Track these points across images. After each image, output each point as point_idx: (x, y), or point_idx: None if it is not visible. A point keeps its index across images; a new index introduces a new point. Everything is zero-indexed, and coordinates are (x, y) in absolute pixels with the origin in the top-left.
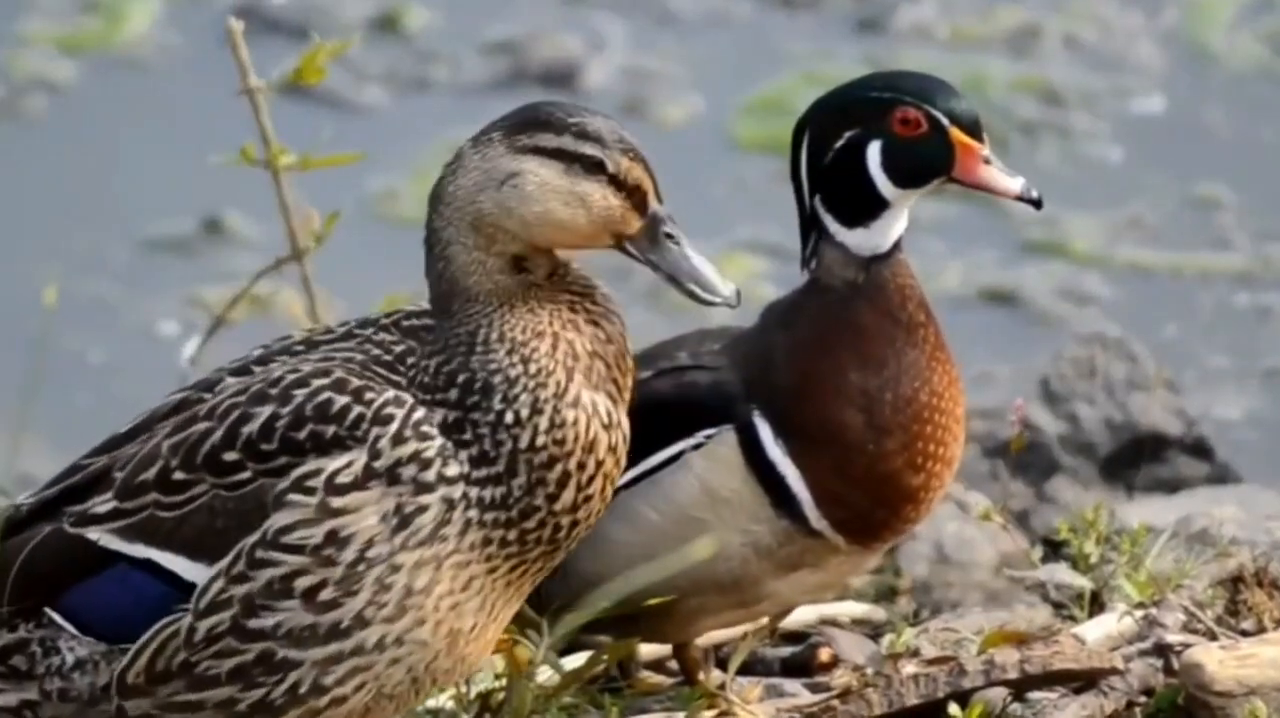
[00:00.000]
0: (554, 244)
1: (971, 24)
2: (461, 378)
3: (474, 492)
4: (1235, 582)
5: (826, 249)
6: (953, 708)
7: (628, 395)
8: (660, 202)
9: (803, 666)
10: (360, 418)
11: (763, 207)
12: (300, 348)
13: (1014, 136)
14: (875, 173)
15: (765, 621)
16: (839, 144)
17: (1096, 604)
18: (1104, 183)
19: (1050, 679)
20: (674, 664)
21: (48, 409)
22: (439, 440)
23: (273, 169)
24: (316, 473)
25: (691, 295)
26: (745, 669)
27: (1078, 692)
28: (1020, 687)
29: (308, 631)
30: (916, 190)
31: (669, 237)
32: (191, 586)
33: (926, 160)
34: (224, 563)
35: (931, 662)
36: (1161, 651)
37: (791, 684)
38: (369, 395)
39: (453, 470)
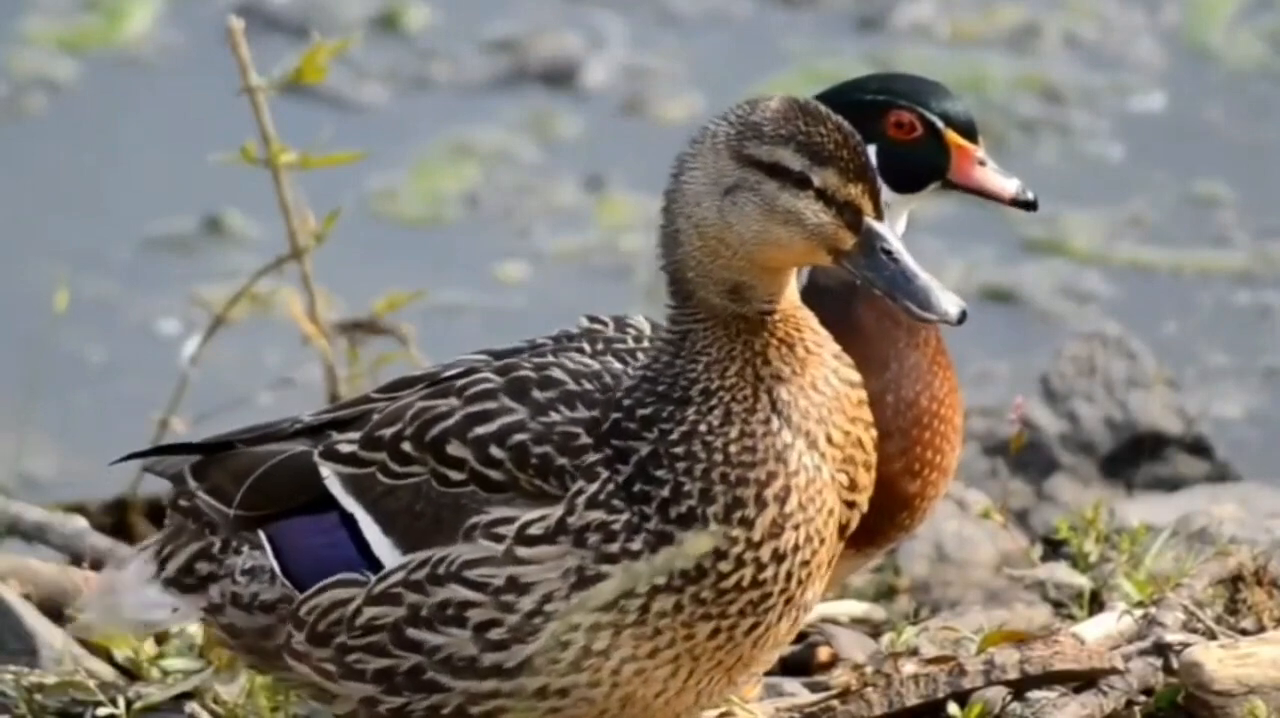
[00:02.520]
0: (772, 262)
1: (971, 22)
2: (660, 424)
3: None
4: (1235, 581)
5: None
6: (952, 707)
7: (854, 456)
8: (880, 217)
9: (802, 664)
10: (565, 471)
11: None
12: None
13: (1014, 134)
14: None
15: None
16: None
17: (1096, 603)
18: (1104, 181)
19: (1050, 679)
20: None
21: (48, 408)
22: (625, 515)
23: (273, 168)
24: (510, 521)
25: (909, 313)
26: None
27: (1077, 691)
28: (1020, 687)
29: (466, 661)
30: (913, 195)
31: (886, 253)
32: (376, 560)
33: (922, 164)
34: (410, 562)
35: (931, 661)
36: (1161, 650)
37: (791, 683)
38: (579, 450)
39: (636, 546)
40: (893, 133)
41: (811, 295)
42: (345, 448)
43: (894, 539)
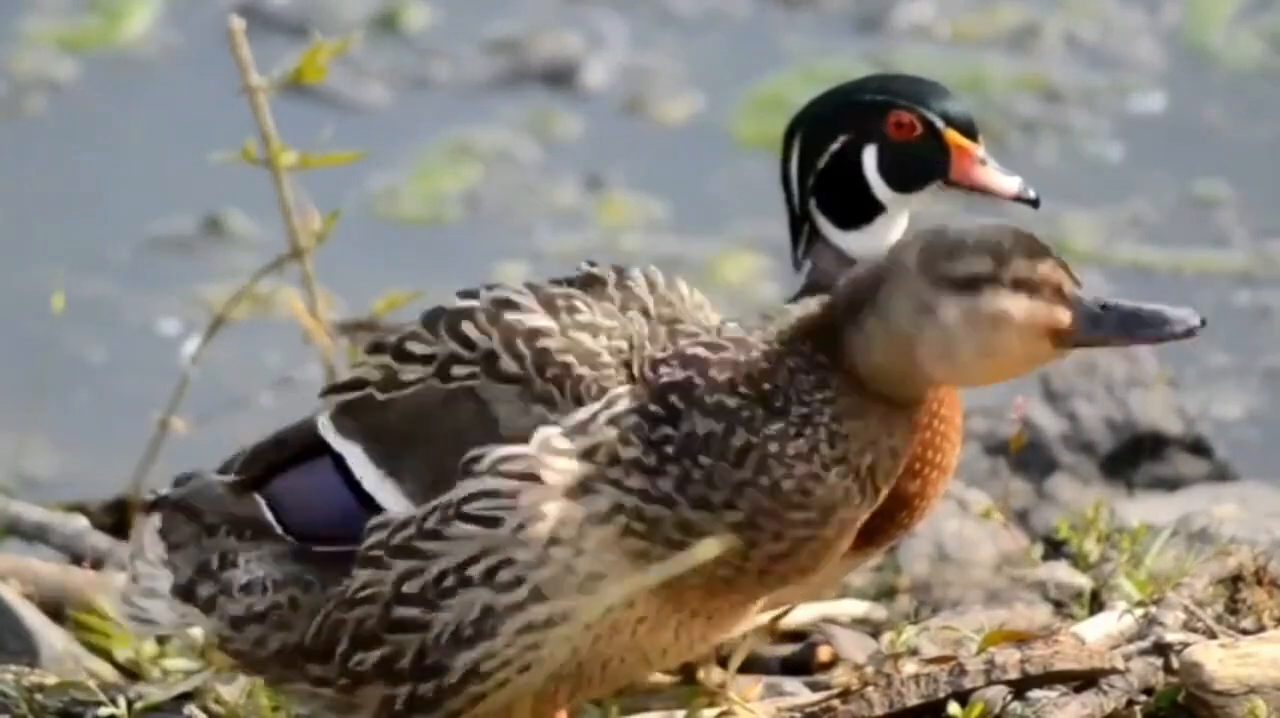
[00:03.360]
0: (993, 376)
1: (971, 22)
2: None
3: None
4: (1235, 580)
5: (822, 252)
6: (952, 707)
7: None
8: (1078, 284)
9: (803, 664)
10: (588, 389)
11: (763, 204)
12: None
13: (1013, 134)
14: (872, 177)
15: (765, 619)
16: (834, 148)
17: (1096, 603)
18: (1103, 181)
19: (1051, 679)
20: None
21: (49, 408)
22: (651, 457)
23: (273, 168)
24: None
25: (1157, 341)
26: (745, 668)
27: (1078, 690)
28: (1021, 686)
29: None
30: (913, 194)
31: (1101, 307)
32: (370, 499)
33: (922, 164)
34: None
35: (932, 661)
36: (1161, 649)
37: (792, 683)
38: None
39: (655, 491)
40: (893, 132)
41: (810, 298)
42: (347, 375)
43: (894, 538)
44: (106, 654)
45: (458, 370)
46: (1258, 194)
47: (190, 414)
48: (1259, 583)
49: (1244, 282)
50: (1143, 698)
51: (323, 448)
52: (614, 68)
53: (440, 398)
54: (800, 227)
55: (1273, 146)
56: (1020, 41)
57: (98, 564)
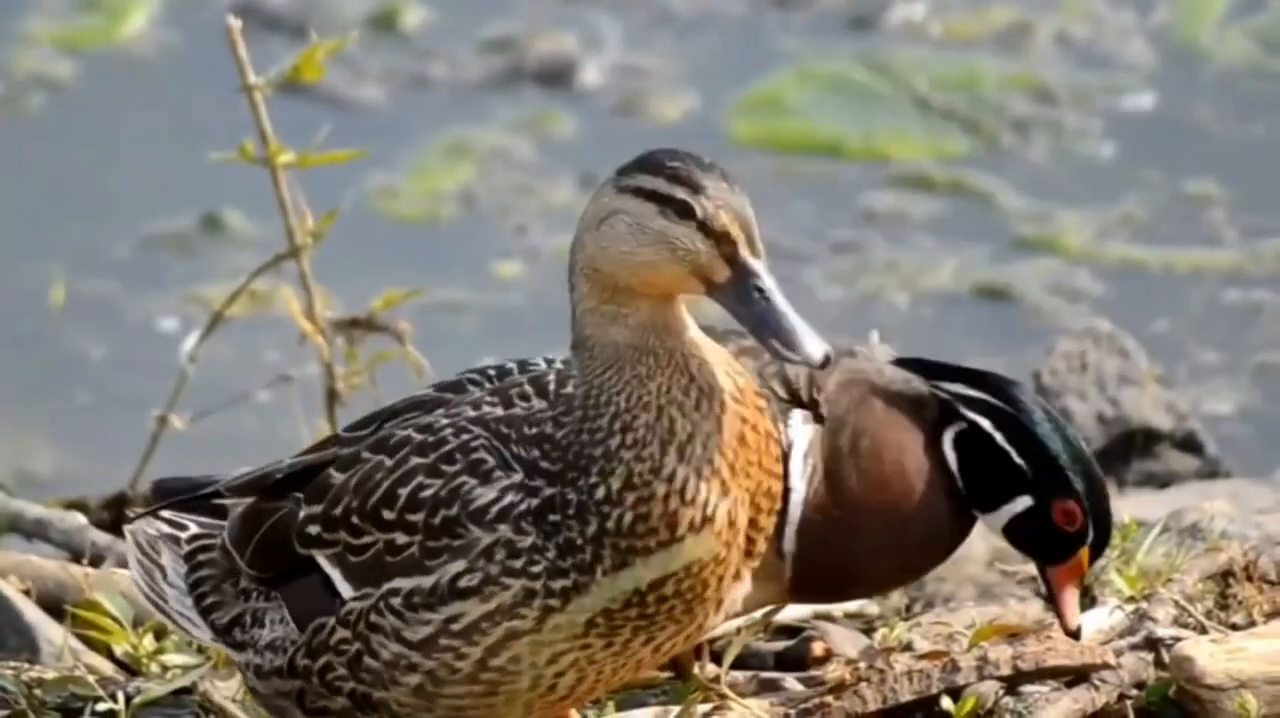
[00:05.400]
0: (644, 287)
1: (963, 21)
2: (572, 450)
3: (556, 584)
4: (1225, 576)
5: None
6: (945, 702)
7: (748, 482)
8: (757, 254)
9: (796, 660)
10: (478, 513)
11: (757, 202)
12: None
13: (1006, 134)
14: (1002, 520)
15: (759, 615)
16: (1007, 486)
17: (1088, 598)
18: (1095, 179)
19: (1043, 674)
20: None
21: (48, 406)
22: (531, 538)
23: (271, 167)
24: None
25: (774, 353)
26: (739, 663)
27: (1069, 685)
28: (1013, 682)
29: (392, 669)
30: (1020, 553)
31: (758, 290)
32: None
33: (1048, 548)
34: (372, 595)
35: (924, 656)
36: (1152, 644)
37: (785, 679)
38: (494, 478)
39: (537, 568)
40: (1057, 515)
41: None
42: (312, 529)
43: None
44: (105, 650)
45: (400, 539)
46: (1248, 192)
47: (188, 411)
48: (1249, 578)
49: (1234, 279)
50: (1134, 693)
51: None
52: (609, 68)
53: (397, 553)
54: None
55: (1263, 145)
56: (1012, 41)
57: (97, 561)
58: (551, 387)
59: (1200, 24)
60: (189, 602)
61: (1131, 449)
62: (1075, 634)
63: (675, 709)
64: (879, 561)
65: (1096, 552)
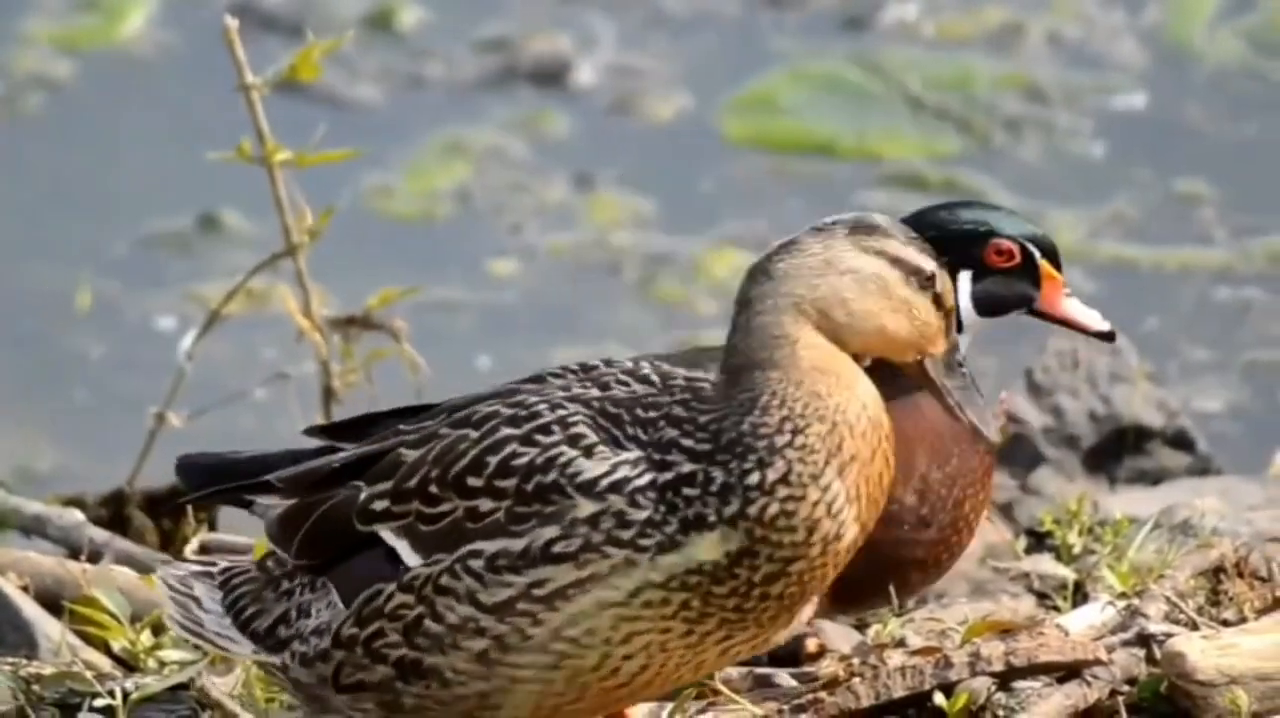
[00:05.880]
0: (866, 346)
1: (956, 22)
2: (727, 435)
3: (666, 558)
4: (1216, 572)
5: None
6: (938, 698)
7: (868, 515)
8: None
9: (790, 655)
10: (586, 484)
11: (750, 202)
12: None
13: (998, 133)
14: (964, 303)
15: None
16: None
17: (1080, 594)
18: (1086, 178)
19: (1035, 670)
20: None
21: (47, 403)
22: (647, 512)
23: (268, 166)
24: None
25: (972, 429)
26: None
27: (1061, 681)
28: (1005, 678)
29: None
30: (994, 319)
31: (960, 365)
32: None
33: (1014, 292)
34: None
35: (917, 652)
36: (1144, 640)
37: (779, 674)
38: (601, 453)
39: (647, 541)
40: (992, 260)
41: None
42: (378, 505)
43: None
44: (103, 646)
45: (485, 506)
46: (1238, 191)
47: (186, 409)
48: (1240, 575)
49: (1224, 277)
50: (1125, 689)
51: (372, 541)
52: (604, 67)
53: (479, 521)
54: None
55: (1253, 145)
56: (1004, 41)
57: (94, 557)
58: (653, 376)
59: (1191, 24)
60: (227, 622)
61: (1123, 446)
62: (1109, 336)
63: (670, 705)
64: (923, 533)
65: (1054, 259)
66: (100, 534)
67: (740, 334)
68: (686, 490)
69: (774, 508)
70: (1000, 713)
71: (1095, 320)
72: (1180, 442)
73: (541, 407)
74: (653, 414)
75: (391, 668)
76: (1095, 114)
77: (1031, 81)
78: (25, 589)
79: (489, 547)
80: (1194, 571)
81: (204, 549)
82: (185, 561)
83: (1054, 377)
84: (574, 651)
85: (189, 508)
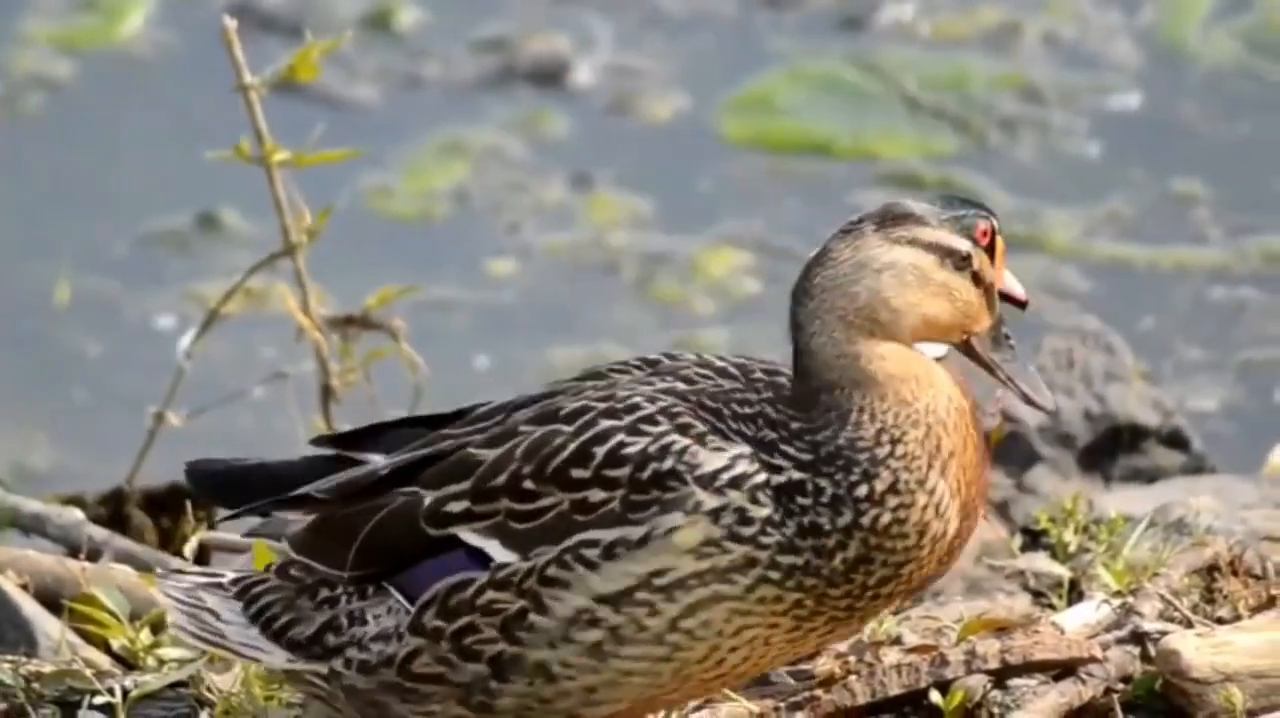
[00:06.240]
0: (916, 336)
1: (952, 22)
2: (826, 448)
3: (785, 559)
4: (1211, 570)
5: None
6: (934, 696)
7: (969, 496)
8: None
9: None
10: (705, 477)
11: (748, 202)
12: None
13: (994, 133)
14: None
15: None
16: None
17: (1075, 592)
18: (1082, 178)
19: (1030, 668)
20: None
21: (47, 402)
22: (767, 510)
23: (267, 165)
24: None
25: (1025, 400)
26: None
27: (1057, 679)
28: (1001, 675)
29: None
30: None
31: (1007, 338)
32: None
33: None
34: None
35: (913, 650)
36: (1139, 638)
37: (775, 672)
38: (714, 443)
39: (768, 539)
40: (978, 241)
41: None
42: (456, 507)
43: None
44: (102, 644)
45: (594, 497)
46: (1233, 191)
47: (185, 408)
48: (1234, 573)
49: (1219, 277)
50: (1120, 686)
51: (447, 543)
52: (601, 68)
53: (585, 514)
54: None
55: (1248, 145)
56: (1000, 41)
57: (94, 555)
58: (730, 368)
59: (1186, 24)
60: (253, 632)
61: (1118, 445)
62: (1025, 305)
63: None
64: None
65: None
66: (99, 533)
67: (805, 358)
68: (799, 498)
69: (886, 517)
70: (996, 711)
71: (1021, 290)
72: (1175, 441)
73: (638, 399)
74: (748, 411)
75: (485, 666)
76: (1091, 114)
77: (1027, 81)
78: (25, 587)
79: (606, 535)
80: (1188, 569)
81: (203, 550)
82: (184, 573)
83: (1049, 376)
84: (686, 643)
85: (188, 506)
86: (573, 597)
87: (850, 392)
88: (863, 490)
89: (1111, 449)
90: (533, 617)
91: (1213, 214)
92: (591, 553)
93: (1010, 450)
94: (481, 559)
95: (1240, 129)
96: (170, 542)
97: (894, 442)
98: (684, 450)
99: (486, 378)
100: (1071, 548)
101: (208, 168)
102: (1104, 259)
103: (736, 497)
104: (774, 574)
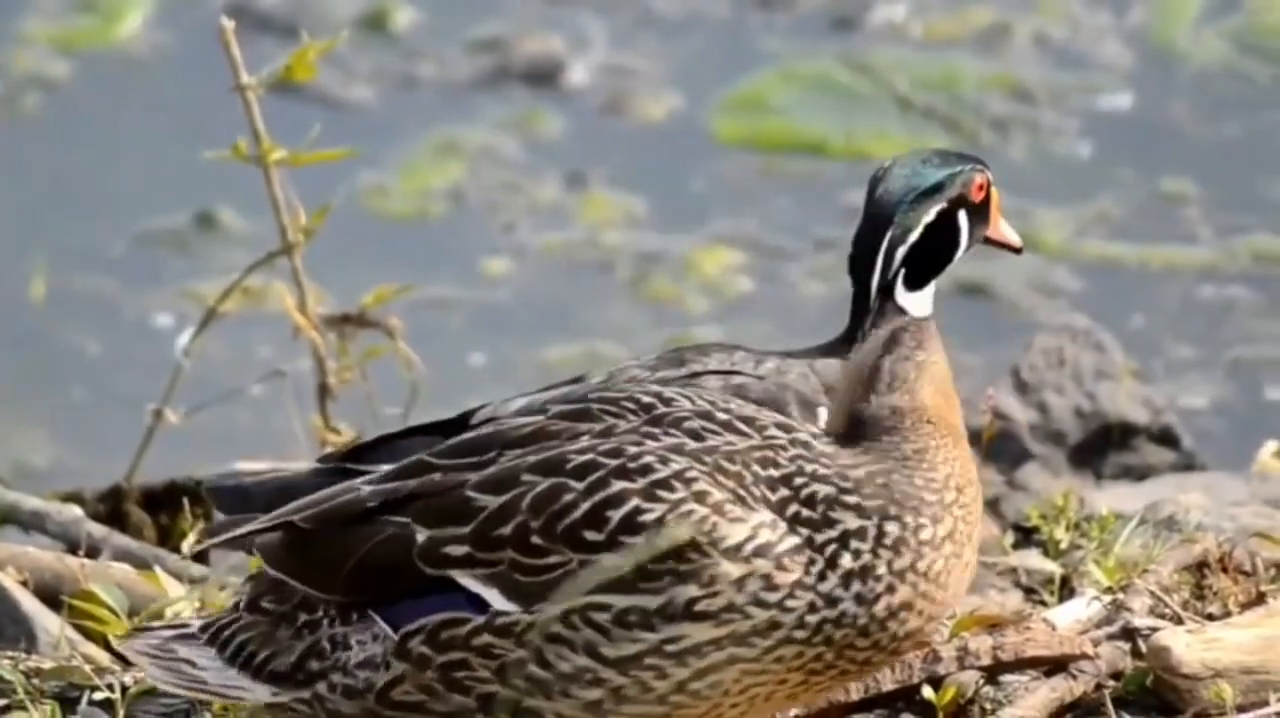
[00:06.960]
0: None
1: (943, 22)
2: (900, 490)
3: (814, 617)
4: (1201, 567)
5: (891, 315)
6: (926, 691)
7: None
8: None
9: None
10: (731, 549)
11: (741, 201)
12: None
13: (985, 132)
14: (964, 239)
15: None
16: (929, 219)
17: (1066, 589)
18: (1072, 178)
19: (1022, 664)
20: None
21: (46, 400)
22: (795, 575)
23: (264, 165)
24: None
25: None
26: None
27: (1048, 675)
28: (993, 671)
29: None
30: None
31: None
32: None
33: (984, 222)
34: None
35: None
36: (1129, 634)
37: None
38: (733, 513)
39: (796, 602)
40: (975, 195)
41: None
42: (457, 551)
43: None
44: (101, 640)
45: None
46: (1222, 191)
47: (183, 406)
48: (1224, 570)
49: (1209, 276)
50: (1111, 682)
51: (444, 583)
52: (595, 68)
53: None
54: (864, 306)
55: (1237, 145)
56: (991, 42)
57: (93, 552)
58: (736, 422)
59: (1176, 25)
60: (232, 672)
61: (1108, 443)
62: (1020, 250)
63: None
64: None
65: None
66: (98, 530)
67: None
68: (856, 543)
69: (939, 564)
70: (988, 707)
71: (1016, 238)
72: (1165, 438)
73: (649, 458)
74: (774, 473)
75: (473, 701)
76: (1081, 114)
77: (1018, 82)
78: (24, 584)
79: (619, 602)
80: (1179, 565)
81: (202, 549)
82: (150, 628)
83: (1040, 374)
84: (690, 702)
85: (185, 504)
86: (577, 657)
87: (921, 428)
88: (926, 533)
89: (1102, 447)
90: (532, 668)
91: (1202, 214)
92: (601, 617)
93: (1001, 448)
94: (478, 603)
95: (1229, 129)
96: (169, 538)
97: (959, 489)
98: (701, 521)
99: (482, 376)
100: (1063, 545)
101: (205, 167)
102: (1094, 258)
103: (762, 564)
104: (799, 634)
